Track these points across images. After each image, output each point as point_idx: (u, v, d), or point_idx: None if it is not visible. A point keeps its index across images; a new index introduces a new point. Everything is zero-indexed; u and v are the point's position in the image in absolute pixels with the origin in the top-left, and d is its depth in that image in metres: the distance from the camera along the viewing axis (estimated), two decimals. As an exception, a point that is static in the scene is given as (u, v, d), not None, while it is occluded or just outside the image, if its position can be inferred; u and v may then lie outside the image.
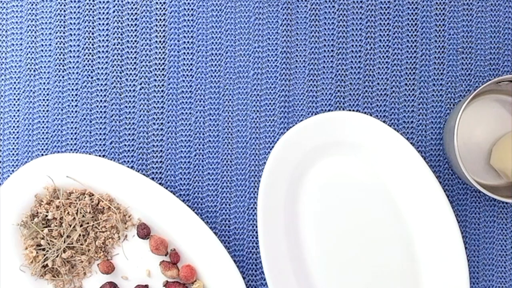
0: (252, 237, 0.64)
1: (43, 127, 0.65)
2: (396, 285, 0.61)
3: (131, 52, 0.65)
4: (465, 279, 0.59)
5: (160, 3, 0.65)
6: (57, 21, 0.65)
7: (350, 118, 0.60)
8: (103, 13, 0.65)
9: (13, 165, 0.65)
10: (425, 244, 0.61)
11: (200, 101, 0.64)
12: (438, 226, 0.60)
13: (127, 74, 0.65)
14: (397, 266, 0.61)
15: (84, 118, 0.65)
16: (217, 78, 0.64)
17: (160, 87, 0.65)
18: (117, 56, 0.65)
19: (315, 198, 0.62)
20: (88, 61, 0.65)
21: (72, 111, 0.65)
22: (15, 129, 0.65)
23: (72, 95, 0.65)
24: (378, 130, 0.60)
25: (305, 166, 0.62)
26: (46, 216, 0.62)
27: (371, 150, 0.61)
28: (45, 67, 0.65)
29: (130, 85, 0.65)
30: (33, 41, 0.65)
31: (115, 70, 0.65)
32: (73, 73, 0.65)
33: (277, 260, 0.60)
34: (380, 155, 0.61)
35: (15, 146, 0.65)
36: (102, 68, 0.65)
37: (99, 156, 0.64)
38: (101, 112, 0.65)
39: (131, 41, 0.65)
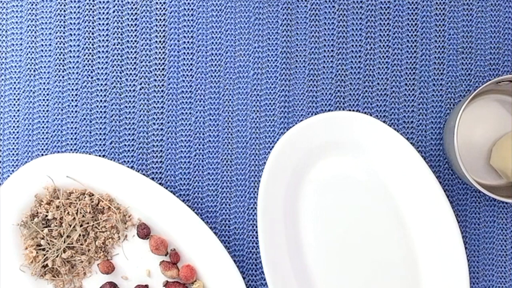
0: (252, 237, 0.64)
1: (43, 127, 0.65)
2: (396, 285, 0.61)
3: (131, 52, 0.65)
4: (465, 279, 0.59)
5: (160, 3, 0.65)
6: (57, 21, 0.65)
7: (350, 118, 0.60)
8: (103, 13, 0.65)
9: (13, 165, 0.65)
10: (425, 244, 0.61)
11: (200, 101, 0.64)
12: (438, 226, 0.60)
13: (127, 74, 0.65)
14: (397, 266, 0.61)
15: (84, 118, 0.65)
16: (217, 78, 0.64)
17: (160, 87, 0.65)
18: (117, 56, 0.65)
19: (315, 198, 0.62)
20: (88, 61, 0.65)
21: (72, 111, 0.65)
22: (15, 129, 0.65)
23: (72, 95, 0.65)
24: (378, 130, 0.60)
25: (305, 166, 0.62)
26: (46, 216, 0.62)
27: (371, 150, 0.61)
28: (45, 67, 0.65)
29: (130, 85, 0.65)
30: (33, 41, 0.65)
31: (115, 70, 0.65)
32: (73, 73, 0.65)
33: (277, 260, 0.60)
34: (380, 155, 0.61)
35: (15, 146, 0.65)
36: (102, 68, 0.65)
37: (99, 156, 0.64)
38: (101, 112, 0.65)
39: (131, 41, 0.65)
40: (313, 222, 0.62)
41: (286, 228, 0.61)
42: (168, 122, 0.65)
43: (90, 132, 0.65)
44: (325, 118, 0.60)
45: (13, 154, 0.65)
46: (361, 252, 0.62)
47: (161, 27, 0.65)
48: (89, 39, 0.65)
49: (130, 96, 0.65)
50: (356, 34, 0.64)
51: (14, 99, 0.65)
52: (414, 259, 0.61)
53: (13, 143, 0.65)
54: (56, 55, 0.65)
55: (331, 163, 0.62)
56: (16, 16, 0.65)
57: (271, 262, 0.60)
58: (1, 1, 0.65)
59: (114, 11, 0.65)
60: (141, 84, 0.65)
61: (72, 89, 0.65)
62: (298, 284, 0.61)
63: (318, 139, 0.61)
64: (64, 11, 0.65)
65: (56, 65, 0.65)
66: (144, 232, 0.62)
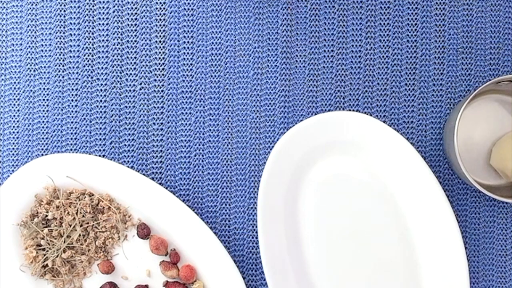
0: (252, 237, 0.64)
1: (43, 127, 0.65)
2: (396, 285, 0.61)
3: (131, 52, 0.65)
4: (465, 279, 0.59)
5: (160, 3, 0.65)
6: (57, 21, 0.65)
7: (350, 118, 0.60)
8: (103, 13, 0.65)
9: (13, 165, 0.65)
10: (425, 244, 0.61)
11: (200, 101, 0.64)
12: (438, 226, 0.60)
13: (127, 74, 0.65)
14: (397, 265, 0.61)
15: (84, 118, 0.65)
16: (217, 78, 0.64)
17: (160, 87, 0.65)
18: (117, 56, 0.65)
19: (315, 198, 0.62)
20: (88, 61, 0.65)
21: (72, 111, 0.65)
22: (15, 129, 0.65)
23: (72, 95, 0.65)
24: (378, 130, 0.60)
25: (305, 166, 0.62)
26: (46, 216, 0.62)
27: (371, 150, 0.61)
28: (45, 67, 0.65)
29: (130, 85, 0.65)
30: (33, 41, 0.65)
31: (115, 70, 0.65)
32: (73, 73, 0.65)
33: (277, 260, 0.60)
34: (380, 155, 0.61)
35: (15, 146, 0.65)
36: (102, 68, 0.65)
37: (99, 156, 0.64)
38: (101, 112, 0.65)
39: (131, 41, 0.65)
40: (313, 222, 0.62)
41: (286, 228, 0.61)
42: (168, 122, 0.65)
43: (90, 132, 0.65)
44: (325, 118, 0.60)
45: (13, 154, 0.65)
46: (361, 252, 0.62)
47: (161, 27, 0.65)
48: (89, 39, 0.65)
49: (130, 96, 0.65)
50: (356, 34, 0.64)
51: (14, 99, 0.65)
52: (414, 259, 0.61)
53: (13, 143, 0.65)
54: (56, 55, 0.65)
55: (331, 163, 0.62)
56: (16, 16, 0.65)
57: (271, 262, 0.60)
58: (1, 1, 0.65)
59: (114, 11, 0.65)
60: (141, 84, 0.65)
61: (72, 89, 0.65)
62: (298, 284, 0.61)
63: (318, 139, 0.61)
64: (64, 11, 0.65)
65: (56, 65, 0.65)
66: (144, 232, 0.62)
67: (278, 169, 0.60)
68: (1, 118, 0.65)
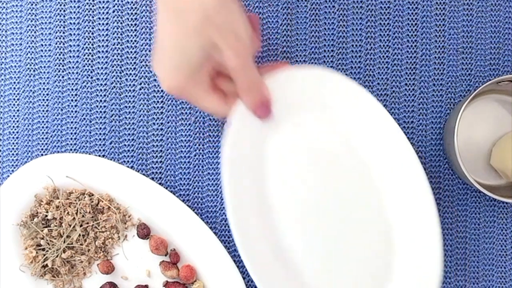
0: (252, 237, 0.64)
1: (43, 127, 0.65)
2: (369, 252, 0.58)
3: (131, 52, 0.65)
4: (437, 242, 0.57)
5: (160, 3, 0.65)
6: (57, 21, 0.65)
7: (319, 76, 0.57)
8: (103, 13, 0.65)
9: (13, 165, 0.65)
10: (398, 208, 0.58)
11: (200, 101, 0.64)
12: (410, 186, 0.58)
13: (127, 74, 0.65)
14: (370, 230, 0.58)
15: (84, 118, 0.65)
16: (217, 78, 0.64)
17: (160, 87, 0.64)
18: (117, 56, 0.65)
19: (282, 162, 0.58)
20: (88, 61, 0.65)
21: (72, 111, 0.65)
22: (15, 129, 0.65)
23: (72, 95, 0.65)
24: (346, 88, 0.58)
25: (272, 126, 0.58)
26: (46, 216, 0.62)
27: (340, 110, 0.59)
28: (45, 67, 0.65)
29: (130, 85, 0.65)
30: (33, 41, 0.65)
31: (115, 70, 0.65)
32: (73, 73, 0.65)
33: (249, 233, 0.55)
34: (349, 115, 0.59)
35: (15, 146, 0.65)
36: (102, 68, 0.65)
37: (99, 156, 0.64)
38: (101, 112, 0.65)
39: (131, 41, 0.65)
40: (282, 188, 0.57)
41: (256, 197, 0.56)
42: (168, 122, 0.65)
43: (90, 132, 0.65)
44: (291, 75, 0.57)
45: (13, 154, 0.65)
46: (333, 219, 0.58)
47: (161, 27, 0.65)
48: (89, 39, 0.65)
49: (130, 96, 0.65)
50: (356, 34, 0.64)
51: (14, 99, 0.65)
52: (386, 223, 0.58)
53: (13, 143, 0.65)
54: (56, 55, 0.65)
55: (299, 123, 0.58)
56: (16, 16, 0.65)
57: (241, 228, 0.54)
58: (1, 1, 0.65)
59: (114, 11, 0.65)
60: (141, 84, 0.65)
61: (72, 89, 0.65)
62: (274, 257, 0.56)
63: (284, 97, 0.57)
64: (64, 11, 0.65)
65: (56, 65, 0.65)
66: (144, 232, 0.62)
67: (244, 127, 0.56)
68: (1, 118, 0.65)
